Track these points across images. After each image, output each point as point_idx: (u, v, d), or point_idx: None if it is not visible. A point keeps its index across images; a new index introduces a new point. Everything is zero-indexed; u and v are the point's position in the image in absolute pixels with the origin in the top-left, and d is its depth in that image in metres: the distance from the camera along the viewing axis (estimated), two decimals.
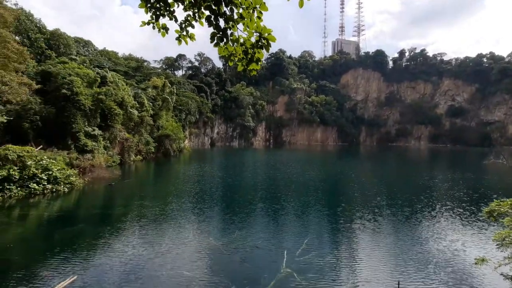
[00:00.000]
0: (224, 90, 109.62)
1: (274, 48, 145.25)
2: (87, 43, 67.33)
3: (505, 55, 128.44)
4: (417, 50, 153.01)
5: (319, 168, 42.78)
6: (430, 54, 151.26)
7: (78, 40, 63.11)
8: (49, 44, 45.77)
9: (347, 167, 44.36)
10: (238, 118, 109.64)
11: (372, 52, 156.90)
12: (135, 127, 43.68)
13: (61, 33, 50.03)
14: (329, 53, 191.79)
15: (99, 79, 36.22)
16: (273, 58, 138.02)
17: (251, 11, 3.28)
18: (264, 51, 3.56)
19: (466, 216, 16.90)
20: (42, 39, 43.93)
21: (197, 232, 13.73)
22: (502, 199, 9.89)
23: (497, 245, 9.05)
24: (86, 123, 32.19)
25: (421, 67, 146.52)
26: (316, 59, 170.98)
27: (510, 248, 8.74)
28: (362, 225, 15.05)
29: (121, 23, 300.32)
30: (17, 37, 35.19)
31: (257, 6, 3.30)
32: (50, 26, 51.01)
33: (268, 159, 56.87)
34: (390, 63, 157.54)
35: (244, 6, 3.28)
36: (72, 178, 22.61)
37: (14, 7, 38.73)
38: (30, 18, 42.94)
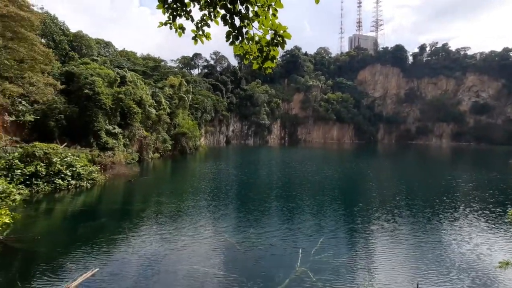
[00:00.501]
0: (239, 88, 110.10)
1: (289, 45, 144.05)
2: (107, 44, 69.40)
3: None
4: (439, 45, 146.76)
5: (335, 166, 42.11)
6: (453, 48, 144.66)
7: (99, 42, 65.19)
8: (72, 46, 47.62)
9: (365, 165, 43.40)
10: (253, 116, 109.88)
11: (391, 47, 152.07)
12: (153, 125, 44.76)
13: (83, 35, 51.89)
14: (345, 49, 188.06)
15: (119, 79, 37.37)
16: (288, 56, 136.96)
17: (266, 9, 3.26)
18: (279, 48, 3.54)
19: (491, 218, 16.12)
20: (66, 41, 45.74)
21: (213, 229, 13.92)
22: None
23: None
24: (107, 122, 33.33)
25: (443, 62, 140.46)
26: (333, 55, 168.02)
27: None
28: (380, 226, 14.68)
29: (140, 24, 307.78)
30: (43, 40, 36.85)
31: (272, 3, 3.28)
32: (73, 28, 52.97)
33: (283, 157, 56.65)
34: (410, 58, 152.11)
35: (259, 4, 3.27)
36: (94, 175, 23.54)
37: (40, 11, 40.58)
38: (55, 21, 44.81)
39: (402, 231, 13.99)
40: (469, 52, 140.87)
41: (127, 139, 36.95)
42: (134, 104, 37.43)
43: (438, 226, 14.89)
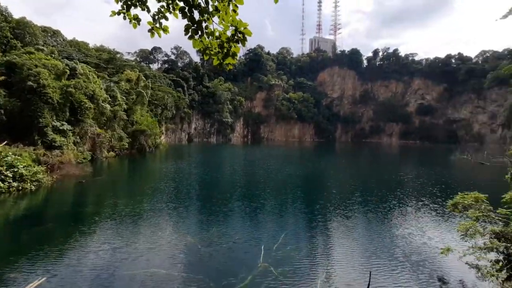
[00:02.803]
0: (201, 85, 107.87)
1: (252, 44, 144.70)
2: (55, 33, 63.10)
3: (473, 56, 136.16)
4: (390, 50, 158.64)
5: (297, 165, 43.54)
6: (402, 54, 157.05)
7: (45, 30, 58.96)
8: (14, 34, 42.49)
9: (325, 163, 45.59)
10: (216, 113, 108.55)
11: (348, 51, 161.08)
12: (108, 122, 41.84)
13: (27, 21, 46.52)
14: (306, 50, 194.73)
15: (68, 71, 34.26)
16: (251, 54, 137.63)
17: (226, 4, 3.23)
18: (240, 45, 3.54)
19: (434, 209, 17.99)
20: (8, 28, 40.71)
21: (174, 231, 13.49)
22: (466, 193, 10.65)
23: (461, 235, 9.74)
24: (54, 118, 30.39)
25: (394, 66, 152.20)
26: (294, 56, 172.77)
27: (473, 239, 9.43)
28: (338, 222, 15.52)
29: (91, 12, 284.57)
30: None
31: None
32: (16, 14, 47.05)
33: (246, 156, 56.95)
34: (365, 62, 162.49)
35: None
36: (39, 176, 21.30)
37: None
38: None
39: (358, 226, 14.93)
40: (416, 58, 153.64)
41: (78, 137, 34.08)
42: (86, 99, 34.64)
43: (391, 219, 16.14)
